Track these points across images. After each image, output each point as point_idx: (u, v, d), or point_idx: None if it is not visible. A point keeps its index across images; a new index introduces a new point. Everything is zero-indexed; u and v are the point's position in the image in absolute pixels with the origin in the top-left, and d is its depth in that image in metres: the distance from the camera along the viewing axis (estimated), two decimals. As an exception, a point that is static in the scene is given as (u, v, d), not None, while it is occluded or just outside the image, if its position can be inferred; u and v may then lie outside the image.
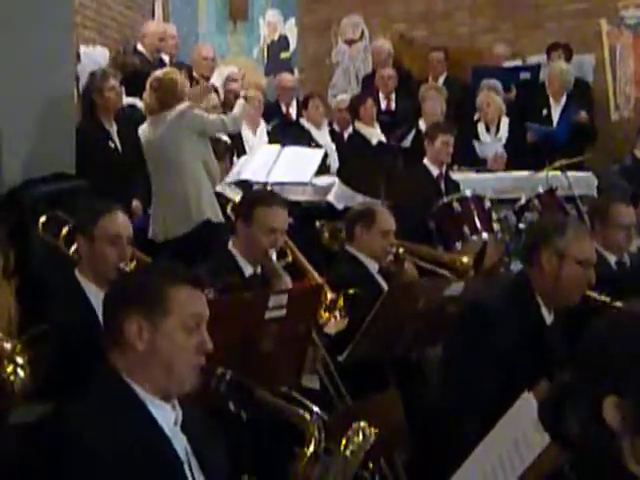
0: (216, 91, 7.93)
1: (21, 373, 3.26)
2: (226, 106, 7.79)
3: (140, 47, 8.98)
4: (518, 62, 10.63)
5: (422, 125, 8.71)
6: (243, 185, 6.89)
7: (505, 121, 9.07)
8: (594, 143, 9.54)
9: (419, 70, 10.86)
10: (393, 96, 10.00)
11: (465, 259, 5.51)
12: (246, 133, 8.11)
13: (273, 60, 11.89)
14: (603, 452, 1.81)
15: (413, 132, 8.82)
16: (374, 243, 5.09)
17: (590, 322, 1.92)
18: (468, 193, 6.89)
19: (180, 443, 2.50)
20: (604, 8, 10.56)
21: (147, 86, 6.44)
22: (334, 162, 8.58)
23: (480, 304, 3.92)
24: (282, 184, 7.04)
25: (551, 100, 9.41)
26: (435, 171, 7.15)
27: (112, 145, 6.69)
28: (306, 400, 2.70)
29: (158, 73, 6.56)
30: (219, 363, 2.63)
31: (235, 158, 7.55)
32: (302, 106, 9.44)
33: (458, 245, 6.58)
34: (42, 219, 5.08)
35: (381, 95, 9.95)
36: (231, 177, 6.96)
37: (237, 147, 7.75)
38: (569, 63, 10.00)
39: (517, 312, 3.79)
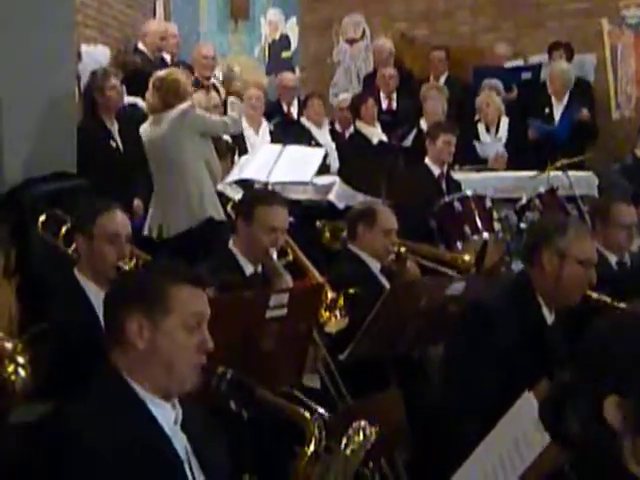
0: (217, 90, 7.92)
1: (22, 373, 3.25)
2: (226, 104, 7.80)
3: (141, 46, 8.98)
4: (519, 62, 10.63)
5: (423, 125, 8.71)
6: (244, 184, 6.89)
7: (505, 121, 9.07)
8: (595, 141, 9.54)
9: (420, 69, 10.86)
10: (394, 95, 10.00)
11: (467, 257, 5.51)
12: (248, 132, 8.11)
13: (274, 59, 11.89)
14: (603, 452, 1.82)
15: (414, 131, 8.82)
16: (376, 242, 5.09)
17: (591, 322, 1.92)
18: (469, 193, 6.89)
19: (180, 442, 2.50)
20: (605, 7, 10.56)
21: (150, 85, 6.44)
22: (334, 161, 8.58)
23: (481, 304, 3.92)
24: (283, 183, 7.04)
25: (553, 99, 9.42)
26: (436, 171, 7.14)
27: (113, 144, 6.69)
28: (309, 400, 2.70)
29: (161, 73, 6.56)
30: (220, 362, 2.63)
31: (237, 157, 7.55)
32: (302, 105, 9.44)
33: (459, 244, 6.58)
34: (42, 218, 5.08)
35: (382, 94, 9.95)
36: (232, 176, 6.96)
37: (239, 146, 7.74)
38: (570, 63, 10.00)
39: (518, 312, 3.79)
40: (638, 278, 4.86)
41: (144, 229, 6.42)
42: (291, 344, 3.85)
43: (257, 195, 5.09)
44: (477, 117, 9.15)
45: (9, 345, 3.28)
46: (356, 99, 9.15)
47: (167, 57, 9.09)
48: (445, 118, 8.59)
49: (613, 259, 5.10)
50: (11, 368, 3.24)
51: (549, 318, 3.87)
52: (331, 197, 7.48)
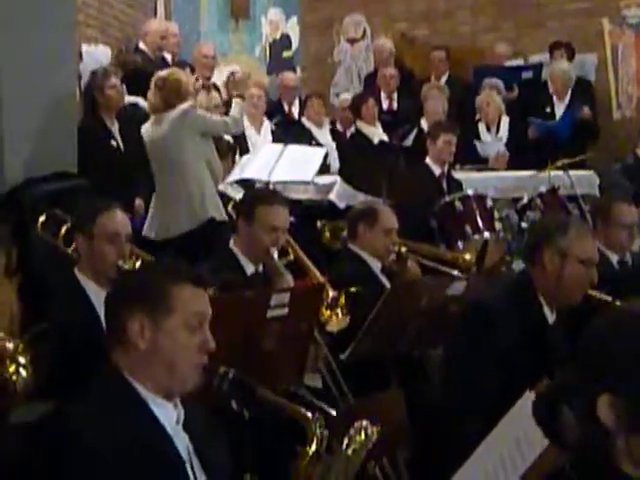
0: (217, 90, 7.93)
1: (23, 372, 3.25)
2: (228, 105, 7.80)
3: (142, 45, 8.98)
4: (520, 61, 10.63)
5: (424, 124, 8.71)
6: (245, 184, 6.89)
7: (505, 120, 9.07)
8: (596, 140, 9.54)
9: (421, 69, 10.86)
10: (395, 95, 10.00)
11: (467, 256, 5.51)
12: (250, 132, 8.11)
13: (275, 59, 11.88)
14: (597, 451, 1.82)
15: (415, 131, 8.82)
16: (377, 241, 5.09)
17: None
18: (470, 192, 6.88)
19: (182, 442, 2.50)
20: (606, 7, 10.56)
21: (152, 85, 6.45)
22: (334, 161, 8.58)
23: (482, 303, 3.92)
24: (284, 183, 7.04)
25: (554, 99, 9.42)
26: (437, 170, 7.14)
27: (114, 144, 6.69)
28: (317, 399, 2.70)
29: (163, 73, 6.57)
30: (221, 362, 2.63)
31: (238, 157, 7.55)
32: (303, 105, 9.44)
33: (460, 244, 6.58)
34: (41, 218, 5.09)
35: (383, 94, 9.95)
36: (233, 176, 6.96)
37: (241, 146, 7.74)
38: (571, 62, 10.00)
39: (519, 311, 3.80)
40: (639, 277, 4.86)
41: (144, 229, 6.42)
42: (292, 343, 3.85)
43: (258, 195, 5.09)
44: (478, 116, 9.15)
45: (10, 345, 3.28)
46: (357, 99, 9.15)
47: (168, 57, 9.09)
48: (446, 118, 8.59)
49: (614, 258, 5.10)
50: (12, 368, 3.24)
51: (550, 317, 3.87)
52: (332, 197, 7.48)
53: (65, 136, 6.10)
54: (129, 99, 7.16)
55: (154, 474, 2.39)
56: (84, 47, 8.50)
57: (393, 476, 3.92)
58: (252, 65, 11.12)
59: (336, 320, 4.52)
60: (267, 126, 8.47)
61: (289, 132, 8.59)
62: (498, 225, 6.79)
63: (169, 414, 2.50)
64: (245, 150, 7.78)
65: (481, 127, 9.07)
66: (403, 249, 5.30)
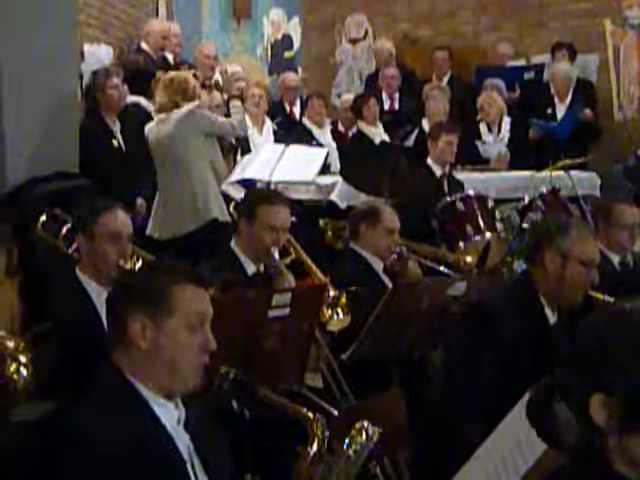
0: (218, 89, 7.92)
1: (24, 372, 3.25)
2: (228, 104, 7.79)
3: (144, 45, 8.98)
4: (522, 62, 10.63)
5: (425, 125, 8.71)
6: (246, 184, 6.89)
7: (507, 121, 9.06)
8: (597, 141, 9.54)
9: (423, 69, 10.87)
10: (397, 96, 10.00)
11: (469, 259, 5.51)
12: (252, 132, 8.11)
13: (276, 59, 11.89)
14: (590, 450, 1.82)
15: (416, 131, 8.82)
16: (379, 241, 5.09)
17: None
18: (471, 192, 6.88)
19: (183, 442, 2.50)
20: (608, 8, 10.56)
21: (160, 85, 6.48)
22: (334, 161, 8.57)
23: (483, 303, 3.93)
24: (285, 183, 7.04)
25: (556, 99, 9.42)
26: (438, 171, 7.14)
27: (115, 143, 6.68)
28: (320, 400, 2.70)
29: (171, 73, 6.62)
30: (222, 362, 2.63)
31: (239, 156, 7.55)
32: (304, 105, 9.44)
33: (461, 244, 6.58)
34: (42, 218, 5.09)
35: (384, 95, 9.95)
36: (234, 176, 6.96)
37: (242, 146, 7.74)
38: (573, 63, 10.00)
39: (520, 312, 3.80)
40: (640, 278, 4.87)
41: (148, 228, 6.43)
42: (293, 343, 3.85)
43: (259, 195, 5.10)
44: (479, 117, 9.14)
45: (11, 344, 3.29)
46: (358, 99, 9.14)
47: (169, 57, 9.09)
48: (447, 118, 8.59)
49: (615, 259, 5.10)
50: (13, 367, 3.25)
51: (552, 318, 3.87)
52: (333, 197, 7.48)
53: (67, 136, 6.10)
54: (131, 99, 7.16)
55: (155, 474, 2.40)
56: (86, 47, 8.50)
57: (394, 476, 3.92)
58: (253, 65, 11.13)
59: (337, 320, 4.51)
60: (269, 126, 8.46)
61: (290, 132, 8.59)
62: (499, 226, 6.79)
63: (170, 414, 2.50)
64: (247, 150, 7.77)
65: (482, 127, 9.06)
66: (404, 249, 5.29)
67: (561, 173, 7.41)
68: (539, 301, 3.86)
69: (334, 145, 8.82)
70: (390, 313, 4.24)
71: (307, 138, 8.55)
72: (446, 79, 10.36)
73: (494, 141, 8.97)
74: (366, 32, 11.73)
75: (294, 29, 12.07)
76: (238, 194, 6.61)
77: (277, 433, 3.38)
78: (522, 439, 2.51)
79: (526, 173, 7.88)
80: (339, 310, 4.52)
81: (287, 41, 12.05)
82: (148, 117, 7.21)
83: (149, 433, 2.42)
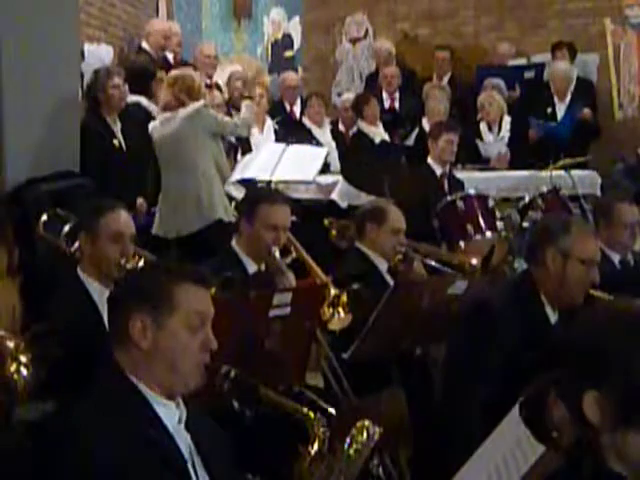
0: (219, 89, 7.93)
1: (24, 371, 3.25)
2: (229, 104, 7.80)
3: (145, 45, 8.98)
4: (522, 61, 10.63)
5: (426, 124, 8.71)
6: (247, 184, 6.89)
7: (507, 120, 9.07)
8: (597, 140, 9.53)
9: (423, 69, 10.88)
10: (397, 95, 10.00)
11: (474, 261, 5.49)
12: (253, 131, 8.11)
13: (277, 58, 11.89)
14: (584, 447, 1.82)
15: (416, 131, 8.82)
16: (384, 241, 5.08)
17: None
18: (472, 192, 6.88)
19: (184, 441, 2.50)
20: (608, 7, 10.55)
21: (165, 84, 6.49)
22: (334, 160, 8.57)
23: (484, 303, 3.92)
24: (286, 182, 7.05)
25: (555, 99, 9.42)
26: (439, 170, 7.14)
27: (116, 143, 6.68)
28: (319, 399, 2.69)
29: (176, 71, 6.64)
30: (223, 361, 2.63)
31: (239, 156, 7.55)
32: (304, 105, 9.45)
33: (462, 244, 6.58)
34: (43, 218, 5.09)
35: (385, 94, 9.95)
36: (235, 175, 6.96)
37: (243, 145, 7.75)
38: (573, 62, 9.99)
39: (521, 311, 3.80)
40: (641, 277, 4.87)
41: (153, 228, 6.44)
42: (294, 342, 3.85)
43: (259, 194, 5.10)
44: (479, 116, 9.14)
45: (11, 344, 3.28)
46: (359, 99, 9.15)
47: (170, 56, 9.09)
48: (448, 117, 8.59)
49: (616, 258, 5.10)
50: (13, 367, 3.25)
51: (552, 317, 3.88)
52: (334, 196, 7.49)
53: (67, 135, 6.11)
54: (131, 99, 7.16)
55: (156, 473, 2.39)
56: (86, 46, 8.50)
57: (395, 475, 3.92)
58: (254, 65, 11.12)
59: (338, 318, 4.51)
60: (269, 125, 8.47)
61: (290, 132, 8.60)
62: (500, 225, 6.79)
63: (171, 413, 2.50)
64: (248, 149, 7.78)
65: (483, 127, 9.06)
66: (409, 250, 5.28)
67: (562, 172, 7.42)
68: (540, 300, 3.86)
69: (334, 144, 8.83)
70: (391, 311, 4.23)
71: (307, 137, 8.56)
72: (446, 78, 10.36)
73: (494, 140, 8.97)
74: (366, 31, 11.73)
75: (294, 29, 12.07)
76: (239, 194, 6.61)
77: (278, 432, 3.38)
78: (523, 438, 2.51)
79: (527, 172, 7.88)
80: (340, 309, 4.51)
81: (287, 41, 12.05)
82: (148, 117, 7.20)
83: (150, 433, 2.42)
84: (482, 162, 8.64)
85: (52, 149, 5.89)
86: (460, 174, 7.61)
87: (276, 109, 9.25)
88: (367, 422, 2.57)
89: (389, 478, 3.85)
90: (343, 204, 7.41)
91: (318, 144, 8.42)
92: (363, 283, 4.59)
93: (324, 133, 9.04)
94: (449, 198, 6.76)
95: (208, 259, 4.65)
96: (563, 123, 9.19)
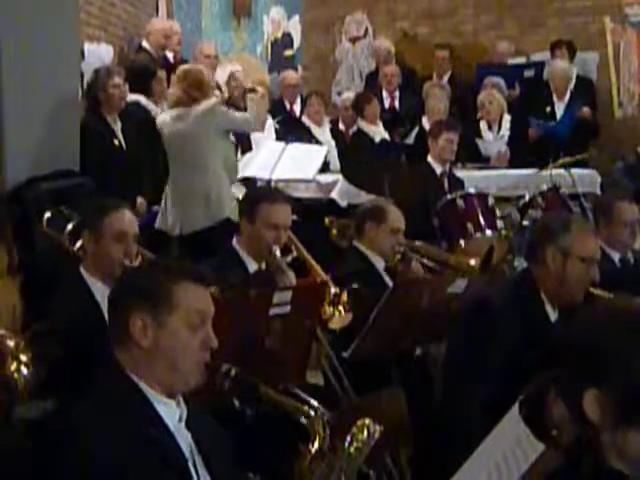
0: (219, 89, 7.92)
1: (24, 370, 3.26)
2: (229, 103, 7.79)
3: (145, 44, 8.98)
4: (522, 59, 10.64)
5: (425, 123, 8.71)
6: (247, 182, 6.89)
7: (507, 119, 9.07)
8: (597, 139, 9.54)
9: (423, 67, 10.88)
10: (397, 94, 10.00)
11: (472, 262, 5.49)
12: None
13: (276, 57, 11.89)
14: (585, 446, 1.83)
15: (416, 129, 8.82)
16: (383, 240, 5.07)
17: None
18: (472, 190, 6.89)
19: (185, 440, 2.50)
20: (608, 5, 10.56)
21: (174, 79, 6.48)
22: (333, 159, 8.58)
23: (484, 301, 3.93)
24: (286, 181, 7.05)
25: (555, 97, 9.42)
26: (439, 169, 7.14)
27: (116, 142, 6.68)
28: (308, 397, 2.69)
29: (185, 65, 6.63)
30: (224, 360, 2.63)
31: (239, 155, 7.55)
32: (303, 104, 9.45)
33: (462, 242, 6.58)
34: (47, 215, 5.09)
35: (385, 93, 9.95)
36: (235, 174, 6.97)
37: (244, 144, 7.75)
38: (573, 61, 10.00)
39: (521, 309, 3.80)
40: (641, 275, 4.87)
41: (157, 223, 6.44)
42: (295, 341, 3.86)
43: (259, 193, 5.10)
44: (479, 115, 9.14)
45: (12, 342, 3.29)
46: (360, 98, 9.15)
47: (170, 55, 9.09)
48: (448, 116, 8.60)
49: (616, 256, 5.10)
50: (14, 366, 3.25)
51: (553, 315, 3.88)
52: (334, 195, 7.49)
53: (68, 134, 6.10)
54: (130, 97, 7.16)
55: (157, 472, 2.40)
56: (86, 46, 8.50)
57: (396, 474, 3.93)
58: (253, 64, 11.12)
59: (339, 317, 4.51)
60: (270, 124, 8.47)
61: (290, 130, 8.60)
62: (500, 223, 6.79)
63: (172, 412, 2.50)
64: (248, 148, 7.78)
65: (483, 125, 9.07)
66: (408, 250, 5.28)
67: (562, 171, 7.42)
68: (540, 298, 3.86)
69: (333, 143, 8.83)
70: (391, 310, 4.24)
71: (306, 136, 8.56)
72: (446, 77, 10.36)
73: (494, 139, 8.97)
74: (366, 30, 11.73)
75: (294, 27, 12.07)
76: (239, 193, 6.61)
77: (278, 431, 3.39)
78: (523, 436, 2.52)
79: (526, 171, 7.89)
80: (340, 308, 4.52)
81: (287, 39, 12.05)
82: (148, 115, 7.20)
83: (151, 431, 2.42)
84: (482, 161, 8.65)
85: (52, 148, 5.89)
86: (460, 173, 7.62)
87: (276, 108, 9.25)
88: (367, 420, 2.57)
89: (390, 477, 3.86)
90: (343, 203, 7.41)
91: (317, 143, 8.42)
92: (361, 282, 4.59)
93: (324, 132, 9.04)
94: (449, 197, 6.77)
95: (209, 258, 4.65)
96: (562, 122, 9.19)
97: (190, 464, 2.48)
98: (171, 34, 9.13)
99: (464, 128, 7.80)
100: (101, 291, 3.90)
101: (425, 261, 5.33)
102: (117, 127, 6.70)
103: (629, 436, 1.77)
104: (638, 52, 10.50)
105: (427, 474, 3.99)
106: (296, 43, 12.07)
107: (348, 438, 2.53)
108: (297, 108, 9.63)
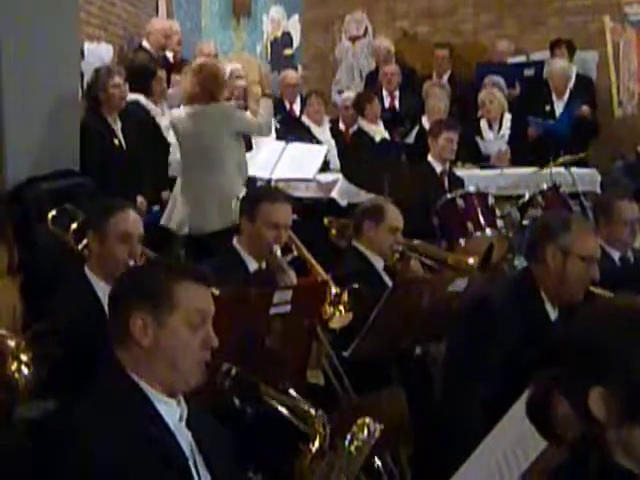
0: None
1: (25, 370, 3.26)
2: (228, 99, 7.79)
3: (145, 44, 8.98)
4: (522, 58, 10.64)
5: (426, 122, 8.71)
6: (247, 182, 6.89)
7: (507, 118, 9.08)
8: (596, 138, 9.54)
9: (422, 67, 10.88)
10: (397, 93, 10.00)
11: (471, 260, 5.49)
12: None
13: (276, 57, 11.89)
14: (591, 444, 1.83)
15: (417, 129, 8.83)
16: (382, 239, 5.07)
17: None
18: (472, 189, 6.89)
19: (185, 439, 2.50)
20: (607, 4, 10.56)
21: (188, 73, 6.45)
22: (333, 158, 8.58)
23: (484, 300, 3.93)
24: (286, 180, 7.05)
25: (554, 96, 9.42)
26: (439, 168, 7.15)
27: (116, 142, 6.68)
28: (303, 398, 2.69)
29: (199, 60, 6.58)
30: (224, 359, 2.63)
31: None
32: (303, 103, 9.45)
33: (462, 241, 6.59)
34: (52, 213, 5.09)
35: (385, 92, 9.95)
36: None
37: (244, 143, 7.74)
38: (572, 60, 10.00)
39: (521, 308, 3.80)
40: (641, 274, 4.87)
41: (163, 219, 6.43)
42: (295, 340, 3.86)
43: (260, 192, 5.10)
44: (480, 114, 9.14)
45: (12, 342, 3.29)
46: (361, 97, 9.15)
47: (170, 55, 9.09)
48: (448, 115, 8.60)
49: (616, 255, 5.10)
50: (15, 366, 3.25)
51: (553, 314, 3.88)
52: (334, 194, 7.49)
53: (67, 134, 6.11)
54: (130, 97, 7.16)
55: (157, 472, 2.40)
56: (86, 45, 8.51)
57: (396, 473, 3.93)
58: (253, 63, 11.12)
59: (339, 317, 4.52)
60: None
61: (290, 129, 8.60)
62: (500, 222, 6.80)
63: (172, 411, 2.50)
64: (249, 147, 7.78)
65: (483, 124, 9.07)
66: (407, 249, 5.28)
67: (561, 170, 7.43)
68: (540, 297, 3.86)
69: (333, 143, 8.83)
70: (391, 310, 4.24)
71: (306, 136, 8.56)
72: (446, 76, 10.36)
73: (495, 138, 8.98)
74: (366, 29, 11.73)
75: (294, 27, 12.07)
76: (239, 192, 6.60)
77: (279, 430, 3.39)
78: (523, 435, 2.52)
79: (526, 170, 7.89)
80: (341, 308, 4.52)
81: (287, 39, 12.05)
82: (148, 115, 7.20)
83: (151, 430, 2.42)
84: (482, 160, 8.65)
85: (52, 148, 5.89)
86: (460, 172, 7.63)
87: (276, 107, 9.24)
88: (368, 419, 2.58)
89: (390, 477, 3.86)
90: (343, 202, 7.42)
91: (317, 142, 8.42)
92: (360, 282, 4.59)
93: (323, 131, 9.04)
94: (449, 196, 6.77)
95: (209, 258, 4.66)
96: (561, 120, 9.19)
97: (191, 463, 2.48)
98: (171, 34, 9.13)
99: (464, 127, 7.80)
100: (104, 291, 3.89)
101: (424, 260, 5.34)
102: (117, 127, 6.69)
103: (635, 433, 1.78)
104: (638, 51, 10.51)
105: (427, 473, 3.99)
106: (296, 42, 12.07)
107: (348, 437, 2.53)
108: (297, 107, 9.63)
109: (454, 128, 7.23)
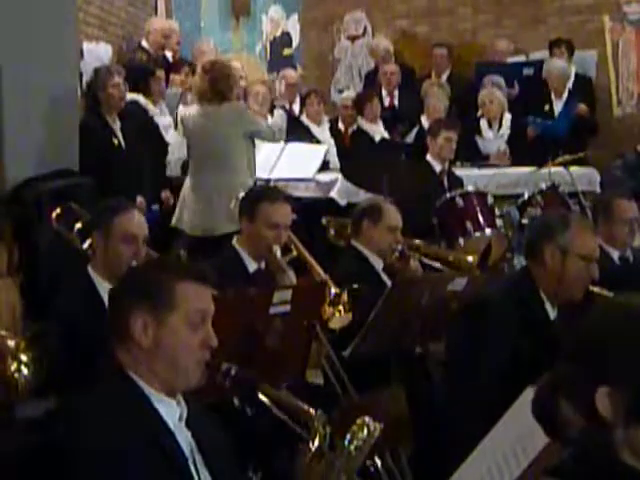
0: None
1: (25, 371, 3.26)
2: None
3: (144, 43, 8.98)
4: (521, 58, 10.64)
5: (425, 121, 8.72)
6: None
7: (507, 117, 9.08)
8: (595, 137, 9.54)
9: (422, 66, 10.87)
10: (396, 92, 10.00)
11: (470, 258, 5.50)
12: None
13: (275, 56, 11.88)
14: (597, 443, 1.83)
15: (416, 128, 8.83)
16: (380, 238, 5.07)
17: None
18: (471, 189, 6.90)
19: (185, 439, 2.50)
20: (607, 4, 10.57)
21: (199, 70, 6.44)
22: (333, 158, 8.58)
23: (484, 299, 3.93)
24: (286, 180, 7.05)
25: (553, 96, 9.42)
26: (438, 167, 7.15)
27: (115, 142, 6.69)
28: (300, 399, 2.70)
29: (211, 57, 6.55)
30: (224, 358, 2.63)
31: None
32: (303, 103, 9.44)
33: (461, 241, 6.59)
34: (57, 211, 5.09)
35: (384, 92, 9.95)
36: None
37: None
38: (571, 59, 10.00)
39: (521, 307, 3.80)
40: (640, 273, 4.87)
41: (174, 220, 6.42)
42: (295, 340, 3.86)
43: (259, 192, 5.09)
44: (480, 113, 9.14)
45: (12, 343, 3.29)
46: (361, 97, 9.15)
47: (169, 55, 9.09)
48: (447, 115, 8.60)
49: (615, 254, 5.10)
50: (14, 366, 3.25)
51: (552, 313, 3.88)
52: (333, 194, 7.50)
53: (67, 134, 6.11)
54: (129, 96, 7.17)
55: (157, 471, 2.40)
56: (85, 45, 8.51)
57: (397, 473, 3.93)
58: (253, 63, 11.13)
59: (338, 317, 4.52)
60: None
61: (289, 129, 8.59)
62: (499, 222, 6.81)
63: (172, 411, 2.50)
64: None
65: (483, 124, 9.07)
66: (406, 248, 5.28)
67: (561, 169, 7.43)
68: (539, 296, 3.86)
69: (332, 142, 8.83)
70: (391, 309, 4.24)
71: (306, 135, 8.56)
72: (445, 76, 10.35)
73: (494, 137, 8.98)
74: (365, 29, 11.73)
75: (293, 26, 12.06)
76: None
77: (278, 429, 3.39)
78: (523, 434, 2.52)
79: (526, 169, 7.90)
80: (340, 308, 4.52)
81: (286, 38, 12.04)
82: (147, 115, 7.21)
83: (151, 430, 2.42)
84: (481, 159, 8.66)
85: (51, 148, 5.90)
86: (459, 171, 7.63)
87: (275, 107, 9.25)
88: (367, 419, 2.58)
89: (390, 476, 3.86)
90: (342, 202, 7.42)
91: (317, 142, 8.42)
92: (359, 282, 4.59)
93: (323, 131, 9.03)
94: (448, 195, 6.78)
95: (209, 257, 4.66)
96: (560, 120, 9.19)
97: (190, 463, 2.48)
98: (170, 33, 9.13)
99: (463, 126, 7.80)
100: (107, 291, 3.89)
101: (423, 259, 5.34)
102: (116, 126, 6.70)
103: None
104: (637, 50, 10.51)
105: (427, 473, 3.99)
106: (295, 42, 12.06)
107: (348, 436, 2.53)
108: (296, 107, 9.62)
109: (453, 127, 7.23)
